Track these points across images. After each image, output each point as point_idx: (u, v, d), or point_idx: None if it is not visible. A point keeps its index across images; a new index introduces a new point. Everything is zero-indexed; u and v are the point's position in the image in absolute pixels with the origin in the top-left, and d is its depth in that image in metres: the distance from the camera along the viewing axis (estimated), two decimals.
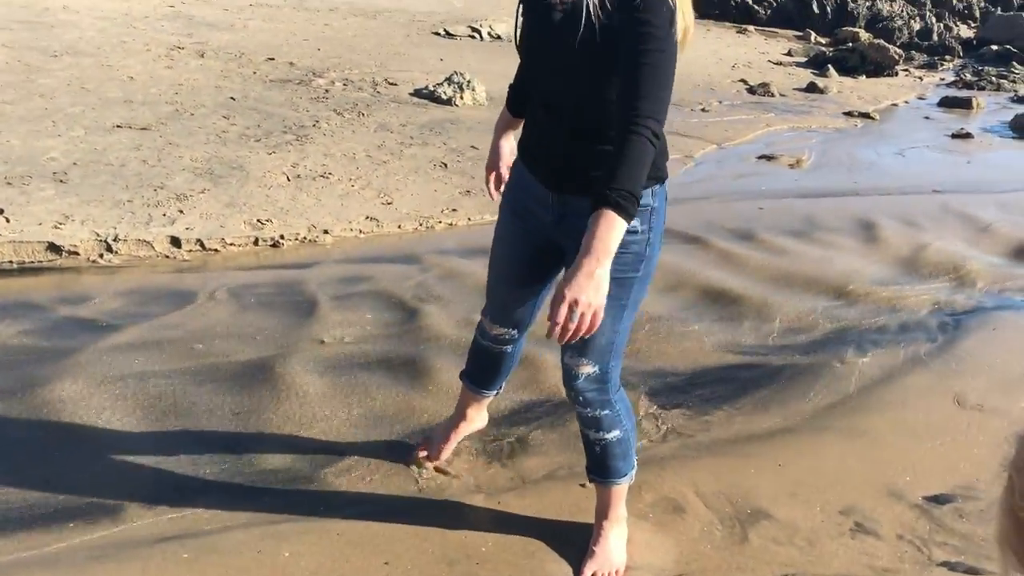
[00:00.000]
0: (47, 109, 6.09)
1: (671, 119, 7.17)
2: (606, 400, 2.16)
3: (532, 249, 2.19)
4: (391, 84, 8.14)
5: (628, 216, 1.67)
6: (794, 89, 9.39)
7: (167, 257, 4.25)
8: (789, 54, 11.69)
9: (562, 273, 1.97)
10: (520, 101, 2.22)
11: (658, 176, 1.94)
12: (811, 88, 9.31)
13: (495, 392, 2.62)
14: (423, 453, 2.66)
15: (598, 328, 1.74)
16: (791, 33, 13.57)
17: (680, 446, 2.86)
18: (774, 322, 3.81)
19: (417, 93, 7.88)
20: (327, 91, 7.66)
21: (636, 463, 2.33)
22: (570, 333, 1.67)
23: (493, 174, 2.36)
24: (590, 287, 1.65)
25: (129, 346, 3.32)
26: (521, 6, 1.94)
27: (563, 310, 1.65)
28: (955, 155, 7.06)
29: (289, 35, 10.09)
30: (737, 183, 6.08)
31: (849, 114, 8.34)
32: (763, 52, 11.81)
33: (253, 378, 3.12)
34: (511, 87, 2.26)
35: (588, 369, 2.09)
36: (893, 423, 3.06)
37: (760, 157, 6.72)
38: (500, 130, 2.34)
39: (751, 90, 9.10)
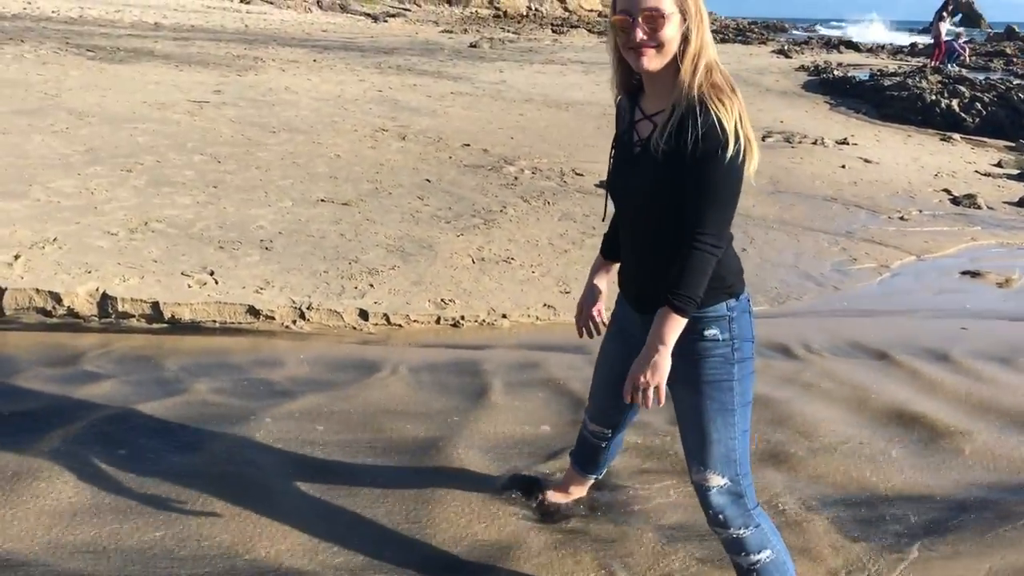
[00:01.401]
0: (261, 180, 6.59)
1: (866, 225, 6.82)
2: (747, 515, 2.21)
3: (628, 365, 2.32)
4: (578, 174, 8.28)
5: (685, 314, 2.01)
6: (1004, 203, 8.77)
7: (354, 328, 4.43)
8: (999, 165, 10.97)
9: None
10: (613, 246, 2.46)
11: (730, 291, 2.14)
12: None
13: (595, 476, 2.89)
14: (542, 496, 2.92)
15: (713, 436, 2.15)
16: (1001, 143, 12.75)
17: None
18: (977, 457, 3.47)
19: (602, 184, 7.96)
20: (516, 178, 7.89)
21: None
22: (639, 402, 2.05)
23: (583, 313, 2.55)
24: (648, 368, 2.03)
25: (310, 413, 3.45)
26: (613, 149, 2.23)
27: (628, 386, 2.06)
28: None
29: (486, 123, 10.53)
30: (938, 299, 5.68)
31: None
32: (970, 162, 11.16)
33: (424, 457, 3.16)
34: (605, 236, 2.52)
35: (718, 480, 2.18)
36: None
37: (964, 272, 6.27)
38: (594, 273, 2.55)
39: (955, 201, 8.57)
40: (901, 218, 7.74)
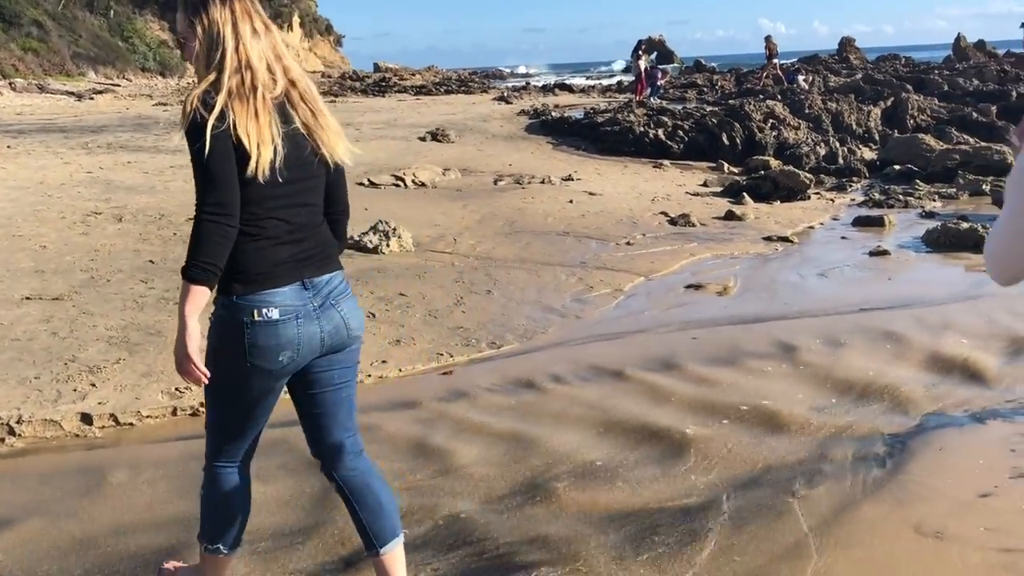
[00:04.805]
0: None
1: (598, 254, 7.13)
2: (205, 465, 2.49)
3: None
4: None
5: (190, 279, 2.13)
6: (713, 218, 9.62)
7: (77, 436, 3.98)
8: (705, 184, 12.07)
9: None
10: None
11: (226, 288, 2.23)
12: (729, 216, 9.55)
13: (377, 550, 2.49)
14: None
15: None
16: (705, 165, 14.07)
17: None
18: (718, 459, 3.68)
19: None
20: None
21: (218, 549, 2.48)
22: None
23: None
24: (176, 342, 2.19)
25: (27, 543, 3.02)
26: None
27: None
28: (875, 272, 7.22)
29: None
30: (668, 313, 6.07)
31: (769, 239, 8.53)
32: (680, 184, 12.19)
33: None
34: None
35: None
36: (855, 562, 2.91)
37: (688, 287, 6.76)
38: None
39: (672, 221, 9.29)
40: (627, 243, 8.25)
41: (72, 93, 31.68)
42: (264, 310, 2.20)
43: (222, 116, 2.11)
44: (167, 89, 41.34)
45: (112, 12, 50.60)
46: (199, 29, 2.21)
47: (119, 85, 41.44)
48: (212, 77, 2.17)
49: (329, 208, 2.40)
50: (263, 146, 2.14)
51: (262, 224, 2.21)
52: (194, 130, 2.11)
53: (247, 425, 2.40)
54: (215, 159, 2.11)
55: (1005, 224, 1.52)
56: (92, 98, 30.04)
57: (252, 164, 2.13)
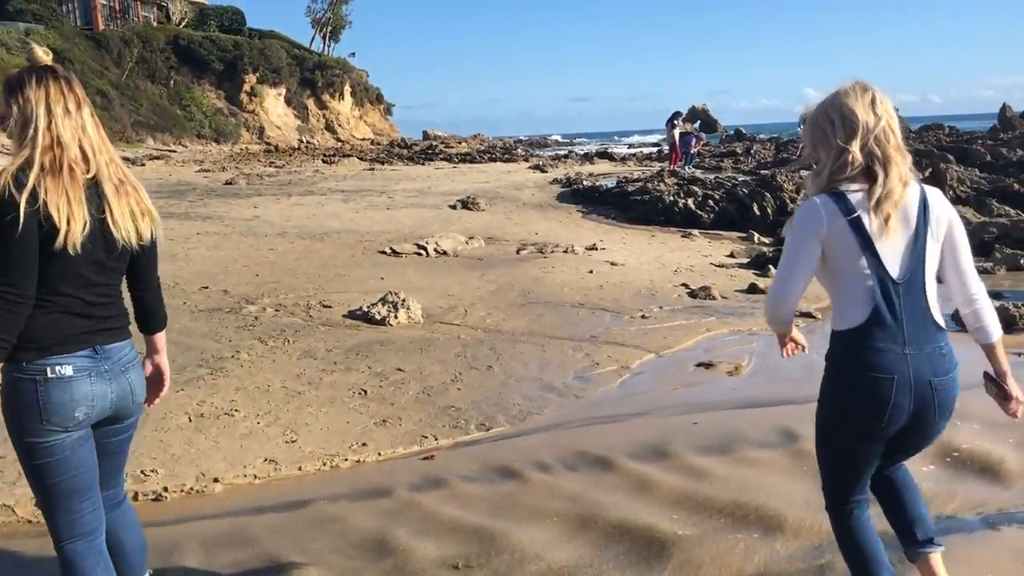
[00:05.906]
0: None
1: (610, 327, 6.87)
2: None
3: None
4: (325, 307, 8.02)
5: None
6: (735, 291, 9.34)
7: (29, 522, 3.83)
8: (732, 255, 11.80)
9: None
10: None
11: (15, 357, 2.25)
12: (752, 289, 9.26)
13: None
14: None
15: None
16: (735, 235, 13.80)
17: None
18: (698, 564, 3.39)
19: (351, 315, 7.74)
20: (257, 318, 7.51)
21: None
22: None
23: None
24: None
25: None
26: None
27: None
28: None
29: (231, 262, 10.10)
30: (672, 395, 5.80)
31: None
32: (706, 255, 11.93)
33: None
34: None
35: None
36: None
37: (698, 365, 6.49)
38: None
39: (692, 294, 9.03)
40: (643, 316, 8.01)
41: (125, 159, 32.51)
42: (57, 367, 2.27)
43: (34, 195, 2.20)
44: (220, 155, 42.43)
45: (172, 81, 52.38)
46: (15, 108, 2.32)
47: (174, 151, 42.68)
48: (26, 153, 2.26)
49: (136, 285, 2.51)
50: (73, 221, 2.23)
51: (57, 300, 2.27)
52: (3, 206, 2.19)
53: (65, 493, 2.36)
54: (18, 238, 2.18)
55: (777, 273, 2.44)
56: (143, 164, 30.90)
57: (61, 238, 2.21)
